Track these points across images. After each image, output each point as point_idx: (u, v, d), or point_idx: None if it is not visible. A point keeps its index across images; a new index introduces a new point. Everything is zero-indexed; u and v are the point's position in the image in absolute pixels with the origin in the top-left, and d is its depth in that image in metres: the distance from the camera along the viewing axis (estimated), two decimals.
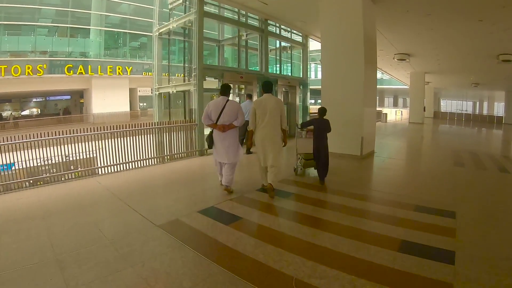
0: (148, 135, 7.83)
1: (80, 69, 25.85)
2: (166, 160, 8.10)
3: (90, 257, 3.12)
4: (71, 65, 25.44)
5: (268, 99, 4.95)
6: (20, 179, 6.00)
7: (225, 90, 5.14)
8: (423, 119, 22.12)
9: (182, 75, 10.55)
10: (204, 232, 3.66)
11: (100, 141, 7.04)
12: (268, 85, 5.08)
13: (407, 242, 3.36)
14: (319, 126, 5.72)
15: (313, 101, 27.17)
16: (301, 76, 14.22)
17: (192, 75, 8.57)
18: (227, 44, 12.86)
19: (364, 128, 8.11)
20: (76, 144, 6.71)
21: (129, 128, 7.44)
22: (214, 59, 12.17)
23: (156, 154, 7.92)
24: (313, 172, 6.29)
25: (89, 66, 26.49)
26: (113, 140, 7.21)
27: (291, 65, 14.21)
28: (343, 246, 3.26)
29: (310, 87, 14.88)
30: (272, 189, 4.85)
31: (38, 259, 3.08)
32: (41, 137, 6.19)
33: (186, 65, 9.99)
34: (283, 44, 13.50)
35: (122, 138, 7.36)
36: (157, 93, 11.07)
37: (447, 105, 37.96)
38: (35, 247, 3.35)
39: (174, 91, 10.06)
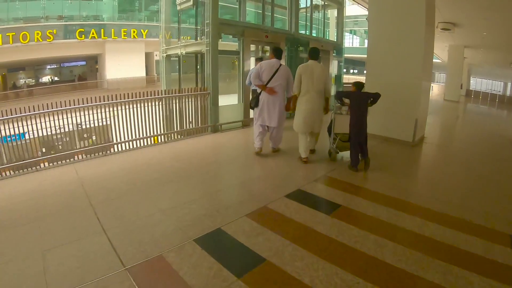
0: (149, 106, 6.24)
1: (93, 33, 24.10)
2: (170, 138, 6.57)
3: None
4: (83, 30, 23.74)
5: (315, 65, 4.85)
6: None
7: (278, 53, 5.08)
8: (459, 97, 19.55)
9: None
10: None
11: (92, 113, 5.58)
12: (315, 52, 5.00)
13: None
14: (359, 99, 4.70)
15: (345, 70, 24.72)
16: (335, 40, 12.14)
17: (205, 31, 6.77)
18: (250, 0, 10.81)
19: (419, 107, 6.37)
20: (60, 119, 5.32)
21: (121, 99, 5.86)
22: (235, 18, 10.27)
23: (158, 132, 6.38)
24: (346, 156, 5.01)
25: (102, 30, 24.67)
26: (103, 113, 5.72)
27: (324, 27, 12.10)
28: None
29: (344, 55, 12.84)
30: (313, 151, 5.29)
31: None
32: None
33: (198, 25, 8.25)
34: (315, 2, 11.33)
35: (115, 110, 5.85)
36: (164, 55, 9.35)
37: (477, 84, 34.59)
38: None
39: (184, 52, 8.31)
